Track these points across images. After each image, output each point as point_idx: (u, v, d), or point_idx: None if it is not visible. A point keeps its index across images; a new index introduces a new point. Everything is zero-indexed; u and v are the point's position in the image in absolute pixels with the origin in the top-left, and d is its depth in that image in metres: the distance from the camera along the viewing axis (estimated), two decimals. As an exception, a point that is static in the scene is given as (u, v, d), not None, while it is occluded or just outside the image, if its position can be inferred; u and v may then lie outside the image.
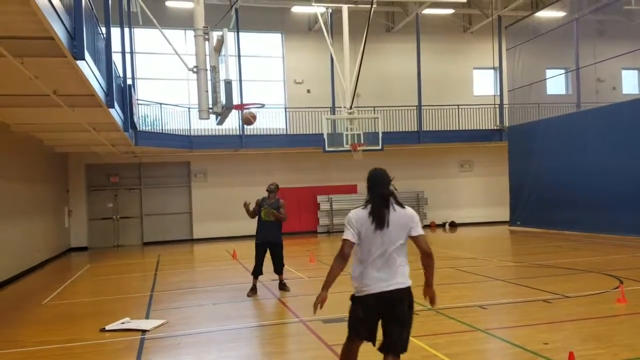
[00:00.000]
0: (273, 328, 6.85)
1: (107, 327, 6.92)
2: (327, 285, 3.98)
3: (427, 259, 3.85)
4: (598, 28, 23.30)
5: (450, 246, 15.90)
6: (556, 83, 24.33)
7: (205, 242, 20.64)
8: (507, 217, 21.52)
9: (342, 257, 3.89)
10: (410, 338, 5.68)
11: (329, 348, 5.56)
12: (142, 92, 19.85)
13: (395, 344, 3.82)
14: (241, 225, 19.94)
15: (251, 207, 8.98)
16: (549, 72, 23.86)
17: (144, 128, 18.76)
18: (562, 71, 23.94)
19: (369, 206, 3.87)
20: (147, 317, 7.54)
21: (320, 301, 3.97)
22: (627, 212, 14.94)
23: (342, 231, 3.93)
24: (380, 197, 3.88)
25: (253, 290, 8.87)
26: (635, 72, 25.34)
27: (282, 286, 9.09)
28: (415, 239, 3.83)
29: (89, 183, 20.58)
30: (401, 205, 3.92)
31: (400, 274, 3.80)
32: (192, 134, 20.32)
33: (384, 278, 3.77)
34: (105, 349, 6.11)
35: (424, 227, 22.80)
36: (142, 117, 18.95)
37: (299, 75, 22.58)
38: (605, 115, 17.06)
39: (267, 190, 9.03)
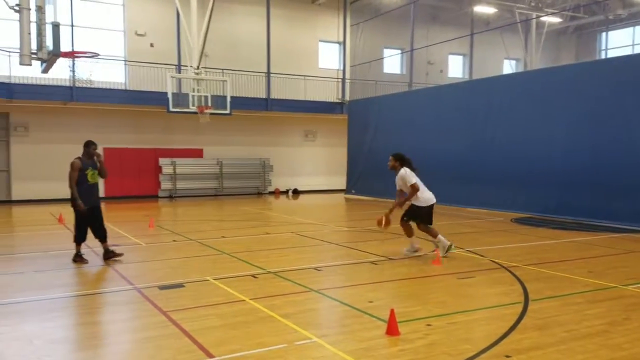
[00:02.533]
0: (104, 296, 6.47)
1: None
2: (397, 205, 8.52)
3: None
4: (432, 13, 25.39)
5: (292, 213, 16.41)
6: (392, 62, 26.10)
7: (26, 204, 18.60)
8: (344, 186, 22.80)
9: (417, 191, 8.28)
10: (248, 300, 5.85)
11: (164, 314, 5.42)
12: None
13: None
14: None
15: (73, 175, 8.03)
16: (387, 52, 25.48)
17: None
18: (398, 51, 25.67)
19: (410, 167, 8.51)
20: (-50, 288, 6.63)
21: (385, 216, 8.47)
22: (445, 184, 16.73)
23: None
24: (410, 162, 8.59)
25: (81, 258, 8.14)
26: (461, 57, 28.16)
27: (111, 254, 8.26)
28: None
29: None
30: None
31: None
32: (12, 81, 17.95)
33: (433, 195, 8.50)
34: None
35: (269, 193, 23.41)
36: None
37: (141, 27, 21.08)
38: (433, 95, 18.75)
39: (89, 150, 8.16)
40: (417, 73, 23.59)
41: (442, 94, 18.32)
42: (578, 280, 6.91)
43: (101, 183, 8.46)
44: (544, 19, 26.10)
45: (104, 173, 8.35)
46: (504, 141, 15.27)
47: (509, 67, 27.74)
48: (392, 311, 4.85)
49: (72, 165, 8.07)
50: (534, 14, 25.69)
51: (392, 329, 4.77)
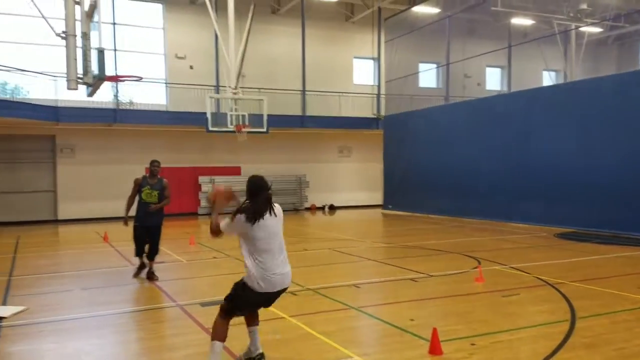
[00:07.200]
0: (147, 313, 6.59)
1: (-44, 316, 6.21)
2: None
3: None
4: (468, 27, 25.17)
5: (329, 228, 16.40)
6: (428, 76, 25.93)
7: (72, 224, 19.21)
8: (380, 201, 22.65)
9: None
10: (288, 317, 5.85)
11: (206, 331, 5.49)
12: (1, 56, 17.86)
13: None
14: (113, 205, 18.86)
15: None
16: (422, 66, 25.36)
17: (1, 96, 16.93)
18: (434, 65, 25.52)
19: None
20: (4, 304, 6.88)
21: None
22: (485, 199, 16.45)
23: (225, 213, 4.12)
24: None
25: (140, 269, 8.36)
26: (498, 69, 27.78)
27: (151, 275, 8.33)
28: None
29: None
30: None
31: None
32: (59, 105, 18.70)
33: None
34: (-47, 340, 5.48)
35: (305, 209, 23.42)
36: (-1, 84, 17.09)
37: (181, 49, 21.67)
38: (470, 108, 18.52)
39: (150, 168, 8.31)
40: (454, 87, 23.35)
41: (481, 106, 18.10)
42: (627, 297, 6.64)
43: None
44: (583, 29, 25.50)
45: (164, 200, 8.36)
46: (545, 154, 14.92)
47: (548, 79, 27.15)
48: (434, 330, 4.77)
49: (134, 181, 8.38)
50: (573, 25, 25.15)
51: (434, 348, 4.68)
